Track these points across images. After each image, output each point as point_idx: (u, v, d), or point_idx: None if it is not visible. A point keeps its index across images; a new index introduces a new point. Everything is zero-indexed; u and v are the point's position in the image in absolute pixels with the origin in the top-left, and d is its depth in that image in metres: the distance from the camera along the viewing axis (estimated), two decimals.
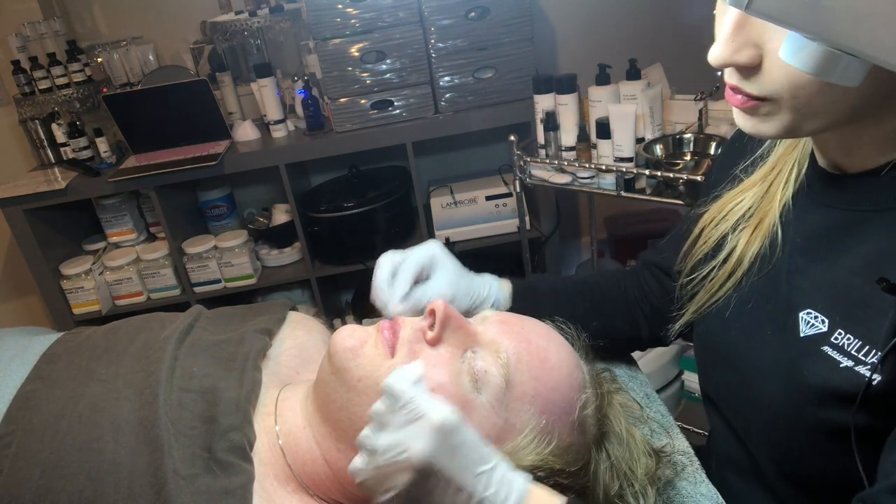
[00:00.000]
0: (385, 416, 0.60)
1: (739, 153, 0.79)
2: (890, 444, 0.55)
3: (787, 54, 0.48)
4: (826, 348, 0.61)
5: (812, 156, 0.69)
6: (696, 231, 0.80)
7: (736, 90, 0.58)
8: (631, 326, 0.94)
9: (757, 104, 0.57)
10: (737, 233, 0.74)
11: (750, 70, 0.56)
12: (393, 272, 0.80)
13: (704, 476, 0.79)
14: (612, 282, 0.97)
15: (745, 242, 0.73)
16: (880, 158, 0.60)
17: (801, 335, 0.64)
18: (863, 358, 0.58)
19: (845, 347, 0.60)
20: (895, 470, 0.53)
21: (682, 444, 0.83)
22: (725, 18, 0.55)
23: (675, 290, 0.84)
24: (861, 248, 0.61)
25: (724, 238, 0.76)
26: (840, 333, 0.61)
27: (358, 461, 0.61)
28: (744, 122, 0.60)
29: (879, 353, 0.57)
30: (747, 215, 0.74)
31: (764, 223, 0.72)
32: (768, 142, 0.75)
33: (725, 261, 0.75)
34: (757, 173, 0.75)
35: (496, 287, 0.89)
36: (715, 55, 0.56)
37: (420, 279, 0.82)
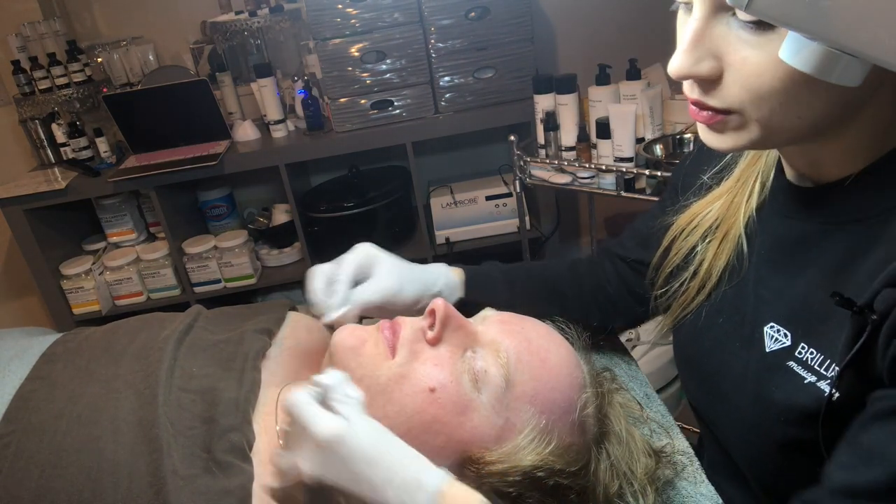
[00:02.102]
0: (289, 435, 0.61)
1: (707, 160, 0.79)
2: (838, 448, 0.54)
3: (787, 54, 0.48)
4: (791, 363, 0.61)
5: (778, 167, 0.68)
6: (667, 242, 0.80)
7: (699, 105, 0.57)
8: (582, 314, 0.91)
9: (723, 119, 0.56)
10: (705, 244, 0.74)
11: (710, 83, 0.55)
12: (328, 281, 0.79)
13: (704, 476, 0.79)
14: (567, 269, 0.95)
15: (712, 255, 0.73)
16: (845, 171, 0.60)
17: (767, 350, 0.64)
18: (824, 372, 0.58)
19: (808, 362, 0.60)
20: (836, 471, 0.52)
21: (682, 444, 0.83)
22: (685, 29, 0.54)
23: (650, 296, 0.84)
24: (822, 261, 0.61)
25: (693, 250, 0.76)
26: (803, 348, 0.60)
27: (268, 478, 0.63)
28: (709, 137, 0.59)
29: (837, 369, 0.56)
30: (714, 226, 0.74)
31: (729, 235, 0.72)
32: None
33: (695, 273, 0.75)
34: (723, 185, 0.75)
35: (448, 276, 0.87)
36: (675, 67, 0.54)
37: (359, 282, 0.80)
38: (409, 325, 0.70)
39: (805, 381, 0.59)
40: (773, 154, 0.69)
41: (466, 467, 0.66)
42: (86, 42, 2.43)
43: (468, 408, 0.65)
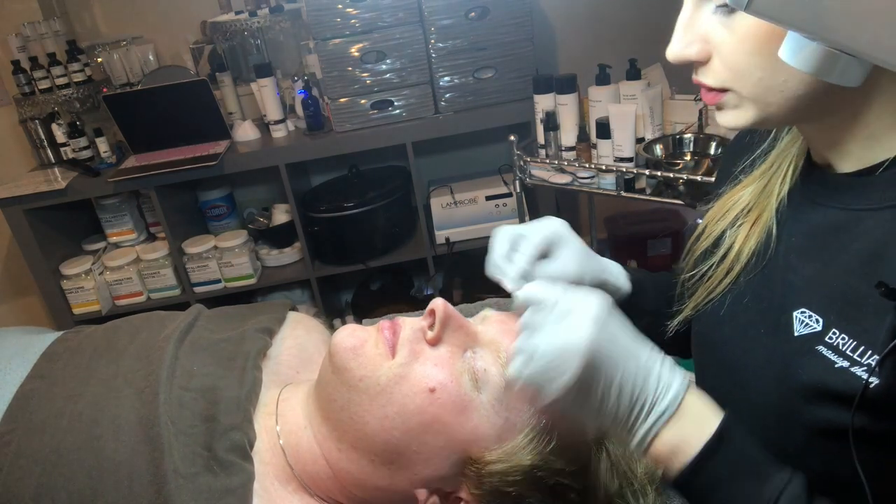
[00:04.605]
0: (535, 318, 0.61)
1: (741, 152, 0.79)
2: None
3: (787, 54, 0.48)
4: (820, 348, 0.61)
5: (809, 154, 0.69)
6: (700, 228, 0.79)
7: (701, 85, 0.62)
8: None
9: (721, 97, 0.61)
10: (735, 228, 0.74)
11: (704, 65, 0.61)
12: (511, 247, 0.76)
13: None
14: None
15: (742, 238, 0.73)
16: (873, 157, 0.60)
17: (796, 334, 0.64)
18: (858, 359, 0.58)
19: (840, 347, 0.59)
20: None
21: None
22: (679, 16, 0.60)
23: (676, 286, 0.83)
24: (855, 247, 0.61)
25: (723, 234, 0.76)
26: (834, 333, 0.60)
27: (516, 364, 0.60)
28: (719, 117, 0.63)
29: (876, 356, 0.56)
30: (745, 210, 0.74)
31: (762, 218, 0.72)
32: (769, 139, 0.75)
33: (724, 257, 0.74)
34: (757, 169, 0.75)
35: (621, 271, 0.85)
36: (669, 51, 0.61)
37: (542, 256, 0.77)
38: (409, 326, 0.70)
39: (836, 366, 0.59)
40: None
41: (467, 467, 0.66)
42: (86, 42, 2.43)
43: (468, 408, 0.65)
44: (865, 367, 0.57)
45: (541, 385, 0.59)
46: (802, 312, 0.64)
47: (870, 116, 0.58)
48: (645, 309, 0.86)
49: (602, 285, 0.80)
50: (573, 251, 0.78)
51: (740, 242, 0.73)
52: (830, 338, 0.60)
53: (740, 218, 0.74)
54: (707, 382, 0.80)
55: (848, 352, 0.59)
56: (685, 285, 0.81)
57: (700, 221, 0.82)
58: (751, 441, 0.62)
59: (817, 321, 0.62)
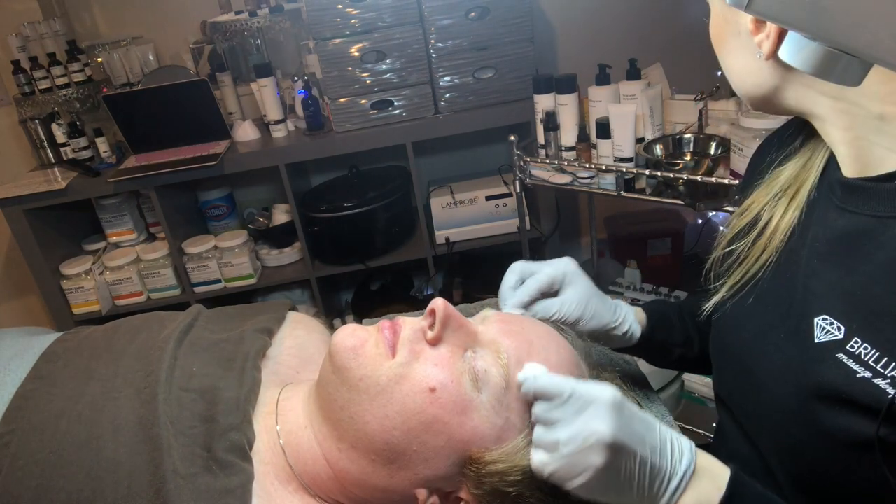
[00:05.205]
0: (551, 414, 0.62)
1: (775, 147, 0.77)
2: None
3: (788, 54, 0.48)
4: (841, 356, 0.60)
5: (835, 159, 0.68)
6: (746, 205, 0.78)
7: None
8: None
9: None
10: (774, 203, 0.73)
11: None
12: (521, 280, 0.81)
13: None
14: None
15: (780, 213, 0.72)
16: (879, 163, 0.59)
17: (816, 341, 0.63)
18: (881, 370, 0.57)
19: (862, 357, 0.59)
20: None
21: None
22: None
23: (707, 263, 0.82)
24: (881, 256, 0.60)
25: (763, 210, 0.74)
26: (857, 342, 0.59)
27: (540, 456, 0.62)
28: None
29: None
30: (786, 186, 0.73)
31: (799, 195, 0.71)
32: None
33: (761, 233, 0.73)
34: (799, 150, 0.74)
35: (630, 315, 0.86)
36: None
37: (548, 293, 0.81)
38: (409, 325, 0.70)
39: (858, 375, 0.58)
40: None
41: (467, 467, 0.66)
42: (86, 42, 2.43)
43: (468, 408, 0.65)
44: (889, 380, 0.56)
45: (567, 478, 0.60)
46: (824, 319, 0.63)
47: (843, 120, 0.59)
48: (674, 342, 0.88)
49: (605, 328, 0.83)
50: (577, 292, 0.81)
51: (777, 217, 0.72)
52: (852, 346, 0.59)
53: (780, 193, 0.73)
54: (725, 385, 0.79)
55: (870, 362, 0.58)
56: (714, 266, 0.80)
57: (734, 209, 0.81)
58: (758, 485, 0.63)
59: (839, 329, 0.61)
